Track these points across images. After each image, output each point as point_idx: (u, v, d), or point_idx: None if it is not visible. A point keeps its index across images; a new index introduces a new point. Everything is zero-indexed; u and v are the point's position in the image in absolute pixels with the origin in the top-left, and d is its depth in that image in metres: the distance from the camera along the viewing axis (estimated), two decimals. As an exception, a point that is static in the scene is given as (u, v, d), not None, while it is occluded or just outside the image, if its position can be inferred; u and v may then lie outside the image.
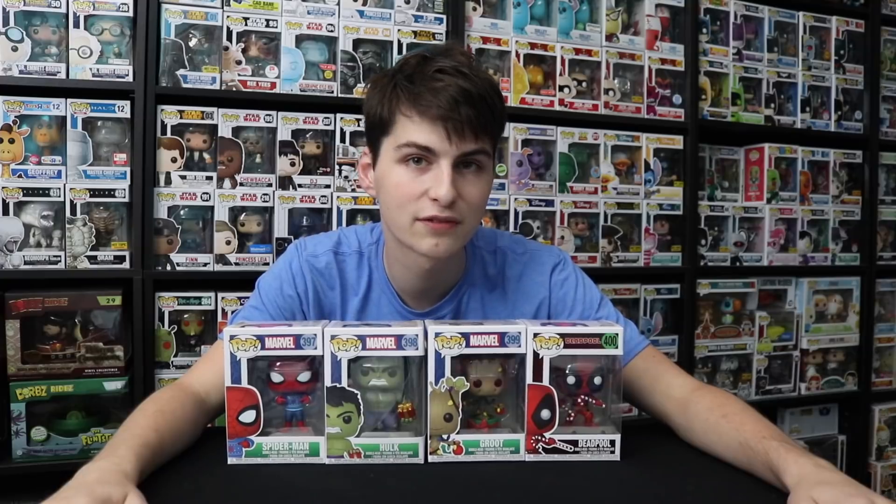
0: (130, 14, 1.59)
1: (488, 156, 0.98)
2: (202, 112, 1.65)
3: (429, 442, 0.87)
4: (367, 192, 1.07)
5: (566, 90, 1.94)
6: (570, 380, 0.89)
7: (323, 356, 0.86)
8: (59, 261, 1.56)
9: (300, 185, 1.72)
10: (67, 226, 1.57)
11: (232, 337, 0.85)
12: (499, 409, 0.91)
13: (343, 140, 1.75)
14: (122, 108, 1.59)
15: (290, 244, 1.13)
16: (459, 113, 0.91)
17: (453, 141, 0.92)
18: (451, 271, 1.08)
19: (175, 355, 1.64)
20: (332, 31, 1.74)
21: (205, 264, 1.66)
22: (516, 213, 1.87)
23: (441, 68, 0.93)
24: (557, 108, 1.93)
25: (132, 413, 0.89)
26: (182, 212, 1.65)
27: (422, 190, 0.94)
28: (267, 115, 1.70)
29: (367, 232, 1.13)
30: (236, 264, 1.68)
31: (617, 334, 0.87)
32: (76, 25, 1.57)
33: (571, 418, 0.89)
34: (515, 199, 1.87)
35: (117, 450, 0.77)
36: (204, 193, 1.65)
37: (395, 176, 0.96)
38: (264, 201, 1.69)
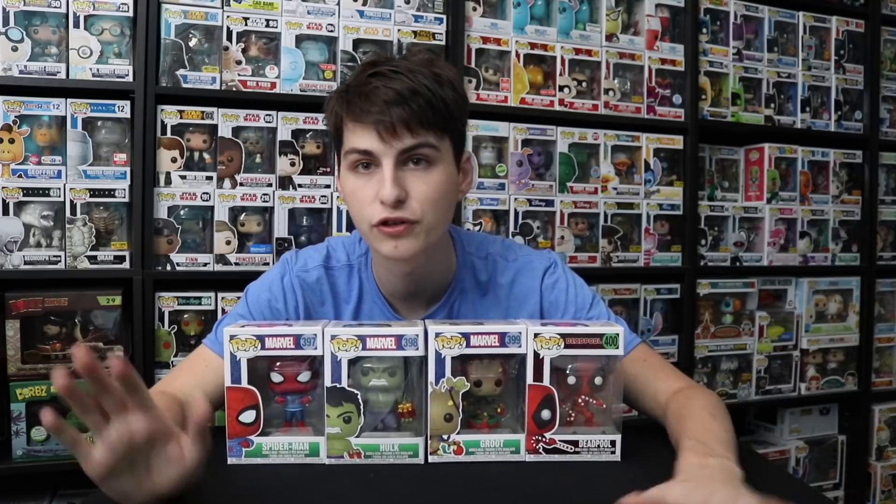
0: (130, 14, 1.59)
1: (436, 149, 0.96)
2: (202, 112, 1.65)
3: (429, 442, 0.87)
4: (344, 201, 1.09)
5: (566, 90, 1.93)
6: (571, 380, 0.89)
7: (323, 356, 0.86)
8: (59, 261, 1.56)
9: (300, 185, 1.72)
10: (67, 226, 1.57)
11: (232, 337, 0.86)
12: (499, 410, 0.91)
13: (343, 140, 1.75)
14: (122, 108, 1.59)
15: (281, 256, 1.12)
16: (390, 114, 0.91)
17: (387, 141, 0.92)
18: (437, 274, 1.07)
19: (175, 355, 1.64)
20: (332, 31, 1.74)
21: (205, 264, 1.66)
22: (516, 213, 1.87)
23: (375, 72, 0.94)
24: (557, 108, 1.92)
25: None
26: (182, 212, 1.65)
27: (372, 194, 0.94)
28: (267, 115, 1.69)
29: (354, 243, 1.12)
30: (236, 264, 1.67)
31: (618, 334, 0.87)
32: (76, 25, 1.57)
33: (572, 418, 0.89)
34: (515, 199, 1.87)
35: None
36: (204, 193, 1.65)
37: (349, 184, 0.98)
38: (264, 201, 1.69)
